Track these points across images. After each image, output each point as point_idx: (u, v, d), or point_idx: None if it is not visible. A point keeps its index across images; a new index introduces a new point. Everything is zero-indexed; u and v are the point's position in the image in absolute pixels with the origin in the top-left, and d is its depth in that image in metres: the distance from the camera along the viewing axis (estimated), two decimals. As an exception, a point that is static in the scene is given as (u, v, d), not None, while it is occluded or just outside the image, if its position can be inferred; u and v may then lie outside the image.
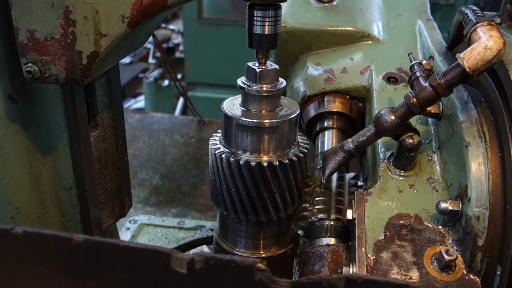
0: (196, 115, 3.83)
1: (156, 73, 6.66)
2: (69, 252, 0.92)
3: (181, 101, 6.23)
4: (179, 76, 6.26)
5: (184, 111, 6.12)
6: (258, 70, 1.33)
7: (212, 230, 2.47)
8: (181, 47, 6.77)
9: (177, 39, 7.15)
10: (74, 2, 1.10)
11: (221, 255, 0.85)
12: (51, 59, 1.14)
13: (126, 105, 7.83)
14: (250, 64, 1.36)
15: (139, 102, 7.76)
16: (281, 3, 1.29)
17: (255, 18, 1.29)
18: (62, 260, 0.94)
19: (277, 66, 1.37)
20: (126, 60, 8.39)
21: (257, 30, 1.30)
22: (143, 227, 2.58)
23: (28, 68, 1.15)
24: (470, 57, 1.13)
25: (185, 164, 3.69)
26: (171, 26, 7.46)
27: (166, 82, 6.42)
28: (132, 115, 3.94)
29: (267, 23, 1.29)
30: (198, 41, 6.01)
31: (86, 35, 1.13)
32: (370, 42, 1.84)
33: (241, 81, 1.38)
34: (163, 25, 7.38)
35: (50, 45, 1.13)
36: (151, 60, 7.19)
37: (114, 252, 0.91)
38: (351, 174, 1.72)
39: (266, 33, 1.30)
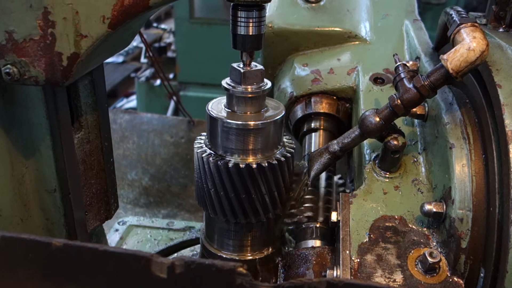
0: (186, 115, 3.82)
1: (148, 72, 6.63)
2: (48, 257, 0.91)
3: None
4: (171, 75, 6.23)
5: (176, 111, 6.10)
6: (242, 71, 1.31)
7: (202, 231, 2.46)
8: (173, 47, 6.74)
9: (169, 39, 7.12)
10: (53, 3, 1.08)
11: (202, 260, 0.84)
12: (30, 60, 1.12)
13: (118, 104, 7.79)
14: (234, 65, 1.35)
15: (132, 102, 7.72)
16: (265, 4, 1.28)
17: (239, 19, 1.28)
18: (41, 265, 0.93)
19: (262, 67, 1.36)
20: (119, 59, 8.36)
21: (241, 31, 1.28)
22: (132, 228, 2.56)
23: (7, 70, 1.13)
24: (453, 58, 1.13)
25: (174, 164, 3.67)
26: (162, 26, 7.43)
27: (158, 82, 6.39)
28: (121, 116, 3.91)
29: (251, 24, 1.27)
30: (190, 41, 5.98)
31: (66, 36, 1.11)
32: (357, 42, 1.84)
33: (225, 82, 1.37)
34: (155, 25, 7.36)
35: (29, 46, 1.11)
36: (143, 60, 7.15)
37: (94, 256, 0.90)
38: (338, 176, 1.72)
39: (250, 34, 1.29)
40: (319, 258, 1.29)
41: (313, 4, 1.91)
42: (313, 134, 1.71)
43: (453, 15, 1.24)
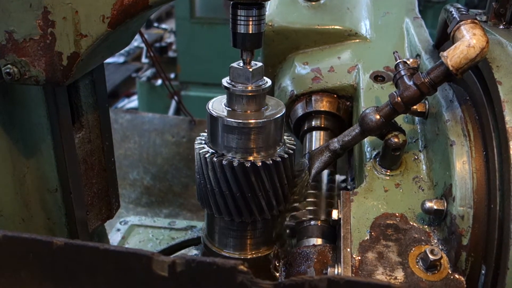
0: (187, 115, 3.82)
1: (149, 72, 6.64)
2: (49, 256, 0.91)
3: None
4: (172, 75, 6.23)
5: (178, 111, 6.11)
6: (251, 70, 1.32)
7: (204, 230, 2.46)
8: (173, 46, 6.75)
9: (170, 38, 7.12)
10: (53, 3, 1.08)
11: (202, 258, 0.84)
12: (30, 60, 1.13)
13: (119, 105, 7.80)
14: (234, 64, 1.35)
15: (133, 102, 7.72)
16: (265, 2, 1.28)
17: (238, 18, 1.28)
18: (42, 264, 0.93)
19: (262, 64, 1.36)
20: (120, 60, 8.37)
21: (241, 29, 1.29)
22: (133, 228, 2.57)
23: (7, 70, 1.14)
24: (453, 55, 1.13)
25: (176, 164, 3.68)
26: (163, 25, 7.43)
27: (159, 82, 6.39)
28: (122, 115, 3.91)
29: (251, 23, 1.28)
30: (191, 40, 5.98)
31: (65, 36, 1.12)
32: (357, 40, 1.83)
33: (226, 81, 1.37)
34: (156, 24, 7.36)
35: (29, 46, 1.11)
36: (144, 60, 7.16)
37: (94, 255, 0.90)
38: (343, 178, 1.71)
39: (250, 32, 1.29)
40: (320, 256, 1.29)
41: (313, 3, 1.91)
42: (313, 132, 1.71)
43: (453, 12, 1.24)
